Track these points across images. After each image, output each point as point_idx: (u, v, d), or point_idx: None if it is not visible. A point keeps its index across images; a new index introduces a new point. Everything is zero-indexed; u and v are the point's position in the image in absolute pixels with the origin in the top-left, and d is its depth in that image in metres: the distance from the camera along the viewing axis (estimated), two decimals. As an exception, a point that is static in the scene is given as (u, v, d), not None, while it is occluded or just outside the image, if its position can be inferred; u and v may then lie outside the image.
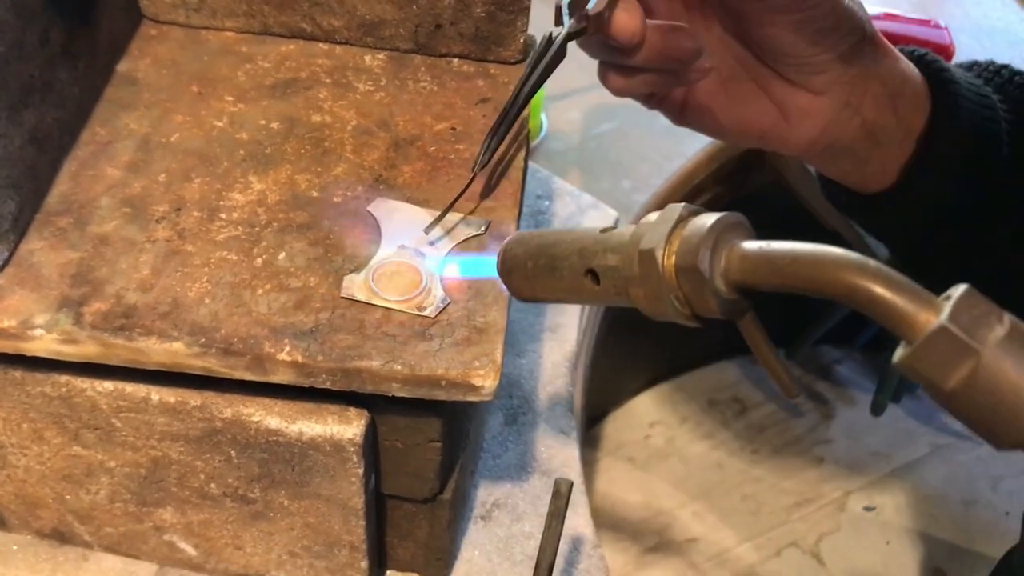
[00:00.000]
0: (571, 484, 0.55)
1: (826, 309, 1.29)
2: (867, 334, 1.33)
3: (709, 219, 0.36)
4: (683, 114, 0.54)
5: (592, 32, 0.46)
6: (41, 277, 0.51)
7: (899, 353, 0.31)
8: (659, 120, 1.08)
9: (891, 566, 1.19)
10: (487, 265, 0.50)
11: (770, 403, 1.33)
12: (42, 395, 0.52)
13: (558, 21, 0.47)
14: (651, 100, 0.53)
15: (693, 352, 1.33)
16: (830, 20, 0.48)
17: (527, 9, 0.61)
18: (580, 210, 0.86)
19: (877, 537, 1.22)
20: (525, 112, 0.55)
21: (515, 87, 0.50)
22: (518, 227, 0.57)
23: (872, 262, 0.32)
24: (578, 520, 0.67)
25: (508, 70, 0.64)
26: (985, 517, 1.23)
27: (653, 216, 0.39)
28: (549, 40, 0.48)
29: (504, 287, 0.45)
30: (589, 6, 0.46)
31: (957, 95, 0.52)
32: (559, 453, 0.71)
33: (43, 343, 0.49)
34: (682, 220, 0.37)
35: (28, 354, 0.50)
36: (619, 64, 0.49)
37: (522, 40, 0.63)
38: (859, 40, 0.49)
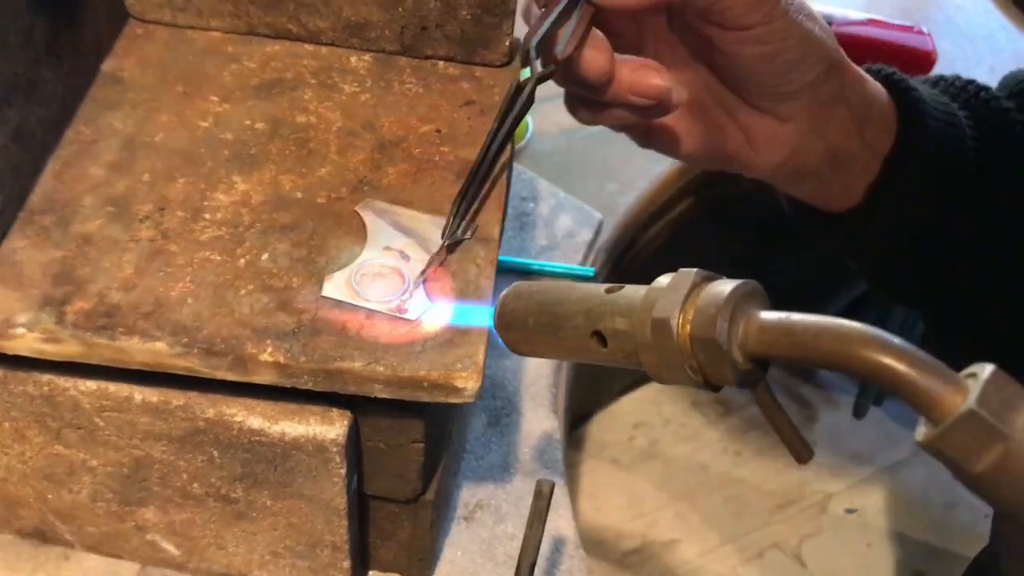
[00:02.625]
0: (553, 485, 0.56)
1: (808, 311, 1.30)
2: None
3: (726, 287, 0.36)
4: (648, 138, 0.54)
5: (562, 74, 0.46)
6: (23, 276, 0.51)
7: (922, 432, 0.31)
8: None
9: (872, 568, 1.20)
10: (481, 315, 0.50)
11: (753, 405, 1.34)
12: (24, 394, 0.52)
13: (524, 63, 0.46)
14: (617, 126, 0.53)
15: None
16: (798, 51, 0.48)
17: (513, 12, 0.62)
18: (565, 212, 0.86)
19: (858, 539, 1.22)
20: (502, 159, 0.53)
21: (485, 142, 0.49)
22: (503, 230, 0.57)
23: (896, 340, 0.32)
24: (560, 521, 0.68)
25: (494, 73, 0.64)
26: (965, 519, 1.24)
27: (665, 280, 0.38)
28: (517, 88, 0.47)
29: (500, 340, 0.44)
30: (557, 48, 0.45)
31: (923, 114, 0.52)
32: (542, 454, 0.71)
33: (25, 342, 0.49)
34: (696, 286, 0.37)
35: (10, 353, 0.49)
36: (587, 98, 0.50)
37: (508, 43, 0.63)
38: (826, 69, 0.50)
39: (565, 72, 0.46)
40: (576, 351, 0.41)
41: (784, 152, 0.52)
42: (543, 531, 0.55)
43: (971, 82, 0.56)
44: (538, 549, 0.55)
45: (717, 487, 1.26)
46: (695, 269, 0.38)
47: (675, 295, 0.37)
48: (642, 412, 1.32)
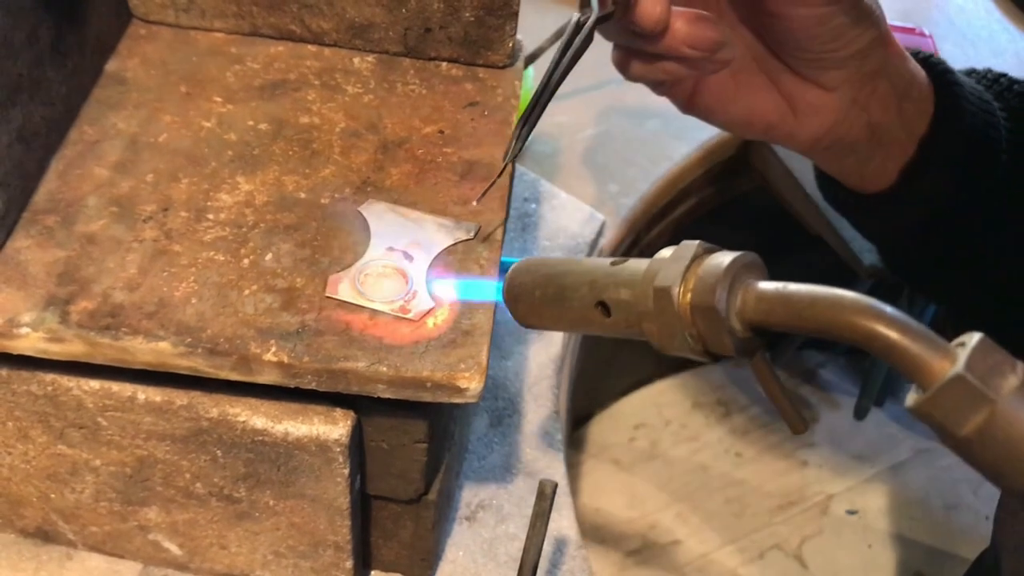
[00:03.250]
0: (555, 485, 0.56)
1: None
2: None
3: (725, 258, 0.37)
4: (692, 103, 0.53)
5: (619, 17, 0.46)
6: (28, 275, 0.51)
7: (912, 398, 0.32)
8: (646, 124, 1.08)
9: (873, 569, 1.20)
10: (488, 289, 0.50)
11: (754, 406, 1.34)
12: (27, 394, 0.52)
13: (584, 5, 0.47)
14: (661, 87, 0.53)
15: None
16: (851, 15, 0.48)
17: (516, 14, 0.62)
18: (568, 213, 0.86)
19: (859, 540, 1.23)
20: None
21: (546, 73, 0.50)
22: (505, 230, 0.57)
23: (889, 308, 0.33)
24: (562, 522, 0.68)
25: (496, 74, 0.64)
26: (966, 521, 1.24)
27: (667, 252, 0.39)
28: (576, 26, 0.48)
29: (509, 313, 0.45)
30: None
31: (960, 98, 0.52)
32: (544, 455, 0.71)
33: (29, 341, 0.49)
34: (697, 258, 0.38)
35: (14, 352, 0.50)
36: (639, 50, 0.49)
37: (511, 44, 0.63)
38: (875, 38, 0.50)
39: (620, 21, 0.47)
40: (581, 322, 0.42)
41: (827, 123, 0.52)
42: (546, 531, 0.55)
43: (1003, 75, 0.56)
44: (541, 549, 0.55)
45: (718, 488, 1.26)
46: (697, 241, 0.39)
47: (677, 266, 0.38)
48: (643, 413, 1.32)
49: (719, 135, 1.02)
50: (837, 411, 1.36)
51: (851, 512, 1.25)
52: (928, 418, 0.31)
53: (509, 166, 0.54)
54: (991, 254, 0.55)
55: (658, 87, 0.53)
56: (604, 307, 0.41)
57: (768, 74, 0.52)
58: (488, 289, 0.50)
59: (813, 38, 0.48)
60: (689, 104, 0.53)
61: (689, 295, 0.37)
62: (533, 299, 0.44)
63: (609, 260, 0.41)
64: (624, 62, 0.51)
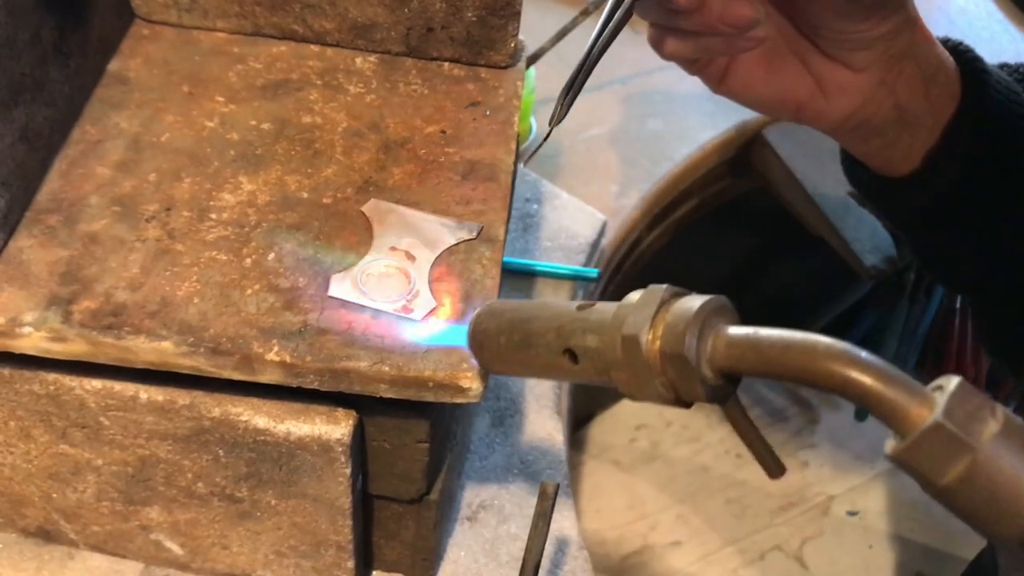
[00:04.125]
0: (557, 485, 0.56)
1: (810, 315, 1.30)
2: (852, 339, 1.34)
3: (695, 302, 0.36)
4: (723, 82, 0.54)
5: (652, 3, 0.47)
6: (30, 275, 0.51)
7: (891, 445, 0.31)
8: (647, 125, 1.08)
9: (873, 570, 1.20)
10: (458, 335, 0.50)
11: (755, 407, 1.34)
12: (30, 393, 0.52)
13: None
14: (693, 66, 0.54)
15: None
16: None
17: (518, 14, 0.62)
18: (569, 214, 0.86)
19: (860, 541, 1.22)
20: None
21: (589, 44, 0.50)
22: (507, 231, 0.57)
23: (863, 353, 0.32)
24: (563, 522, 0.68)
25: (499, 74, 0.64)
26: (966, 522, 1.24)
27: (635, 296, 0.38)
28: (617, 0, 0.49)
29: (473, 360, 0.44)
30: None
31: (987, 85, 0.53)
32: (545, 455, 0.71)
33: (32, 341, 0.49)
34: (664, 303, 0.37)
35: (16, 352, 0.50)
36: (674, 27, 0.50)
37: (513, 45, 0.63)
38: (903, 19, 0.50)
39: None
40: (548, 369, 0.41)
41: (855, 103, 0.53)
42: (548, 531, 0.55)
43: None
44: (543, 549, 0.55)
45: (719, 489, 1.26)
46: (664, 285, 0.38)
47: (644, 311, 0.37)
48: (643, 414, 1.32)
49: (720, 136, 1.02)
50: (838, 412, 1.35)
51: (852, 513, 1.25)
52: (907, 466, 0.31)
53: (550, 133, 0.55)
54: (1014, 241, 0.56)
55: (690, 66, 0.54)
56: (572, 354, 0.39)
57: (798, 55, 0.53)
58: (460, 335, 0.49)
59: (843, 19, 0.49)
60: (720, 84, 0.54)
61: (658, 342, 0.36)
62: (498, 346, 0.42)
63: (576, 304, 0.40)
64: (659, 40, 0.52)
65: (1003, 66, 0.58)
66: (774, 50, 0.53)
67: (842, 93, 0.52)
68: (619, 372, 0.37)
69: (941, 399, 0.30)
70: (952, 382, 0.31)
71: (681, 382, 0.36)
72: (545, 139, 0.53)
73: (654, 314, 0.36)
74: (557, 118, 0.52)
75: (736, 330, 0.35)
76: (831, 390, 0.32)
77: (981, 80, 0.53)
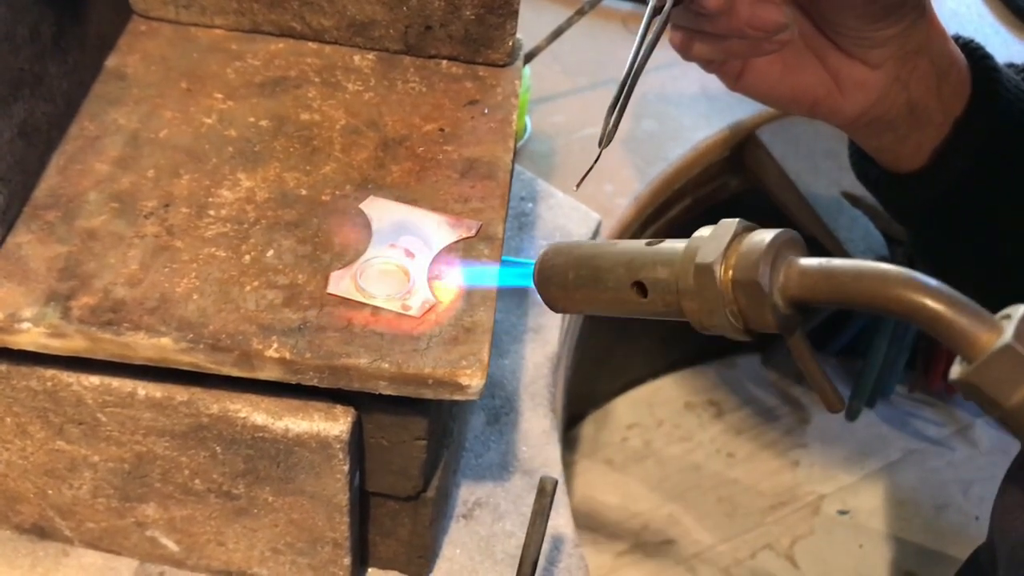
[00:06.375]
0: (556, 482, 0.56)
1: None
2: (842, 340, 1.35)
3: (767, 235, 0.37)
4: (740, 80, 0.55)
5: (681, 9, 0.48)
6: (29, 270, 0.51)
7: (957, 370, 0.32)
8: (641, 125, 1.09)
9: (864, 569, 1.21)
10: (523, 274, 0.50)
11: (746, 406, 1.35)
12: (27, 389, 0.52)
13: None
14: (711, 65, 0.54)
15: (670, 356, 1.34)
16: None
17: (516, 12, 0.62)
18: (564, 213, 0.87)
19: (850, 540, 1.23)
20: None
21: (630, 57, 0.51)
22: (505, 228, 0.57)
23: (934, 281, 0.33)
24: (559, 520, 0.68)
25: (496, 72, 0.64)
26: (956, 521, 1.25)
27: (706, 231, 0.39)
28: (654, 10, 0.49)
29: (539, 297, 0.45)
30: None
31: (998, 83, 0.54)
32: (540, 453, 0.72)
33: (30, 336, 0.49)
34: (737, 236, 0.38)
35: (14, 347, 0.49)
36: (701, 31, 0.50)
37: (511, 43, 0.64)
38: (919, 17, 0.51)
39: (687, 3, 0.48)
40: (616, 303, 0.42)
41: (870, 99, 0.53)
42: (546, 528, 0.56)
43: None
44: (540, 546, 0.56)
45: (710, 488, 1.26)
46: (736, 219, 0.39)
47: (718, 243, 0.38)
48: (636, 413, 1.33)
49: (713, 136, 1.02)
50: (828, 412, 1.36)
51: (842, 512, 1.26)
52: (974, 389, 0.32)
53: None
54: (1020, 240, 0.56)
55: (708, 65, 0.54)
56: (640, 287, 0.40)
57: (815, 51, 0.53)
58: (515, 275, 0.50)
59: (861, 16, 0.50)
60: (737, 81, 0.55)
61: (731, 272, 0.37)
62: (566, 281, 0.43)
63: (644, 241, 0.41)
64: (686, 43, 0.52)
65: (1010, 66, 0.58)
66: (792, 47, 0.53)
67: (858, 89, 0.53)
68: (690, 302, 0.39)
69: (1010, 325, 0.31)
70: (1020, 309, 0.32)
71: (752, 310, 0.37)
72: (596, 161, 0.53)
73: (727, 245, 0.38)
74: (607, 138, 0.52)
75: (808, 260, 0.36)
76: (902, 316, 0.33)
77: (992, 78, 0.54)
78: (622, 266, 0.41)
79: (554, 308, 0.45)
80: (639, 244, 0.41)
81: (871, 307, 0.34)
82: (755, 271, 0.36)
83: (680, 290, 0.39)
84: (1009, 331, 0.31)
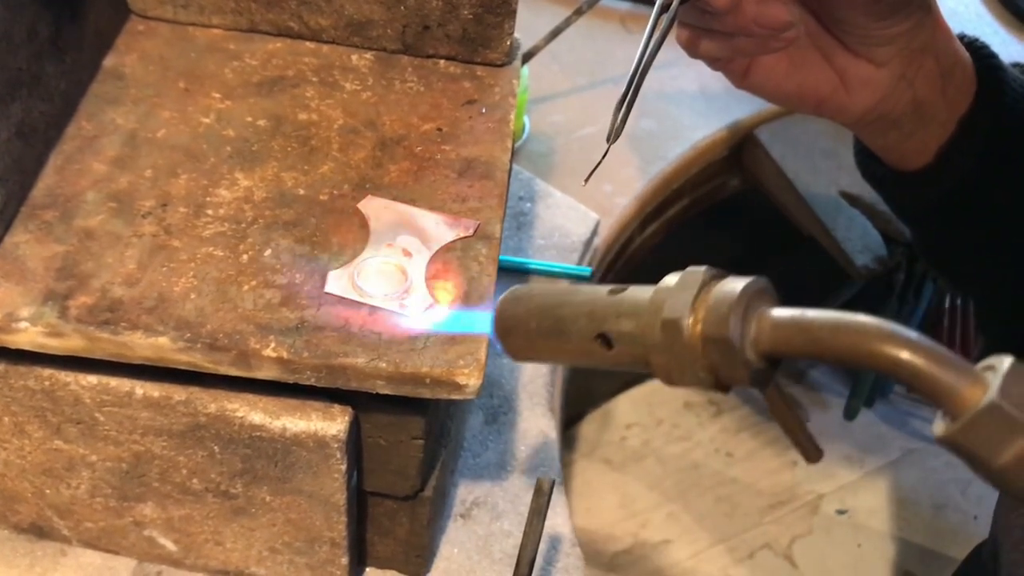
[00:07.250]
0: (553, 482, 0.56)
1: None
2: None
3: (737, 284, 0.35)
4: (746, 78, 0.55)
5: (688, 8, 0.47)
6: (26, 270, 0.51)
7: (941, 427, 0.31)
8: (640, 125, 1.09)
9: (863, 568, 1.21)
10: (481, 321, 0.49)
11: (745, 406, 1.35)
12: (25, 388, 0.52)
13: None
14: (717, 63, 0.54)
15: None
16: None
17: (514, 12, 0.62)
18: (562, 212, 0.87)
19: (849, 540, 1.23)
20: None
21: (638, 54, 0.51)
22: (503, 228, 0.58)
23: (913, 334, 0.32)
24: (556, 519, 0.68)
25: (494, 72, 0.64)
26: (954, 521, 1.25)
27: (672, 278, 0.37)
28: (662, 8, 0.49)
29: (499, 346, 0.43)
30: None
31: (1003, 82, 0.54)
32: (538, 452, 0.72)
33: (27, 336, 0.49)
34: (706, 285, 0.36)
35: (12, 347, 0.49)
36: (707, 29, 0.50)
37: (509, 43, 0.64)
38: (925, 15, 0.51)
39: (694, 1, 0.48)
40: (580, 355, 0.40)
41: (876, 97, 0.53)
42: (543, 527, 0.56)
43: None
44: (538, 545, 0.56)
45: (709, 487, 1.26)
46: (703, 267, 0.37)
47: (685, 295, 0.36)
48: (634, 412, 1.33)
49: (712, 136, 1.02)
50: (827, 412, 1.36)
51: (841, 512, 1.26)
52: (960, 448, 0.30)
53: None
54: (1018, 239, 0.56)
55: (714, 63, 0.54)
56: (605, 339, 0.39)
57: (821, 50, 0.53)
58: (479, 321, 0.49)
59: (868, 15, 0.50)
60: (743, 79, 0.55)
61: (700, 326, 0.35)
62: (528, 331, 0.42)
63: (607, 288, 0.40)
64: (693, 41, 0.52)
65: (1015, 65, 0.59)
66: (798, 45, 0.53)
67: (864, 87, 0.53)
68: (658, 357, 0.37)
69: (995, 379, 0.30)
70: (1004, 362, 0.31)
71: (724, 366, 0.35)
72: (604, 156, 0.53)
73: (695, 297, 0.36)
74: (614, 134, 0.52)
75: (781, 312, 0.35)
76: (881, 371, 0.32)
77: (997, 77, 0.54)
78: (584, 316, 0.39)
79: (516, 359, 0.44)
80: (601, 292, 0.39)
81: (848, 361, 0.33)
82: (725, 326, 0.34)
83: (648, 345, 0.37)
84: (994, 387, 0.30)
